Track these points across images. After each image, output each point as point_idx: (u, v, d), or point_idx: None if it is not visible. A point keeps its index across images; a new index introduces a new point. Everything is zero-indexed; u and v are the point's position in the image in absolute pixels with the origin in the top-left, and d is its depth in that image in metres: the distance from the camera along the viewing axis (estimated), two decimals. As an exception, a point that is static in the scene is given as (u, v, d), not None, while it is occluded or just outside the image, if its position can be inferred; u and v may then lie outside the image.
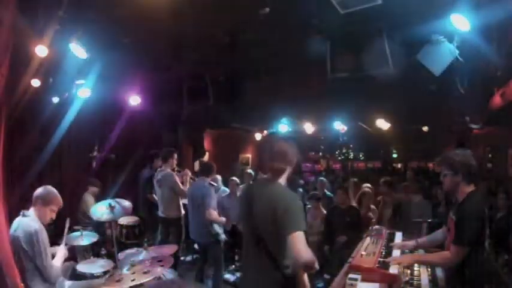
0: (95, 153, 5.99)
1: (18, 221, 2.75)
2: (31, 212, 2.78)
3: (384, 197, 5.45)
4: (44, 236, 2.69)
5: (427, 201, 4.93)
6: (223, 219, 4.34)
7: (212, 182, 4.51)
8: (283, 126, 9.34)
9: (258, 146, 11.19)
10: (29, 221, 2.71)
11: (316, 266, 1.97)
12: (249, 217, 2.19)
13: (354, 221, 4.70)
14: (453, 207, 2.40)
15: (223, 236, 4.34)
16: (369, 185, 6.31)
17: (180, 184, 4.76)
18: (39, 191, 2.84)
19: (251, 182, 6.22)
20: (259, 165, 2.49)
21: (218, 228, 4.27)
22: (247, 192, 2.39)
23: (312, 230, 4.89)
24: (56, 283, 2.77)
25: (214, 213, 4.17)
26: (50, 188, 2.89)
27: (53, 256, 2.87)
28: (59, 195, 2.92)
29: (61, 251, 3.01)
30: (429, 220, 4.23)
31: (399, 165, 15.11)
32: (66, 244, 3.22)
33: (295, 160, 2.27)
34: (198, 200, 4.22)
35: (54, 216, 2.91)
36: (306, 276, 2.22)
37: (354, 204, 5.11)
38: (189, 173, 5.10)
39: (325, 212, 5.14)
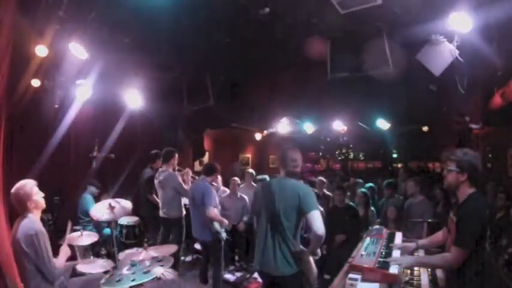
0: (95, 153, 5.98)
1: (18, 223, 2.74)
2: (29, 213, 2.76)
3: (386, 198, 5.47)
4: (45, 237, 2.69)
5: (428, 201, 4.92)
6: (225, 221, 4.33)
7: (213, 183, 4.51)
8: (283, 126, 9.34)
9: (259, 148, 11.25)
10: (29, 223, 2.69)
11: (319, 252, 2.84)
12: (271, 207, 2.79)
13: (353, 220, 4.71)
14: (453, 208, 2.39)
15: (224, 235, 4.35)
16: (372, 184, 6.32)
17: (183, 184, 4.76)
18: (16, 197, 2.73)
19: (252, 182, 6.23)
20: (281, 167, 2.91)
21: (218, 227, 4.27)
22: (267, 186, 2.96)
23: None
24: (57, 282, 2.76)
25: (213, 212, 4.17)
26: (16, 186, 2.77)
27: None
28: (24, 181, 2.80)
29: (63, 251, 3.00)
30: (429, 220, 4.23)
31: (399, 165, 15.09)
32: (68, 244, 3.21)
33: (300, 162, 2.96)
34: (199, 199, 4.23)
35: (41, 194, 2.84)
36: (311, 258, 2.81)
37: (352, 203, 5.12)
38: (190, 173, 5.09)
39: (321, 209, 5.14)
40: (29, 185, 2.79)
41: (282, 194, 2.78)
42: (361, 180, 6.82)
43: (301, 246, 2.80)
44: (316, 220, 2.59)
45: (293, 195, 2.71)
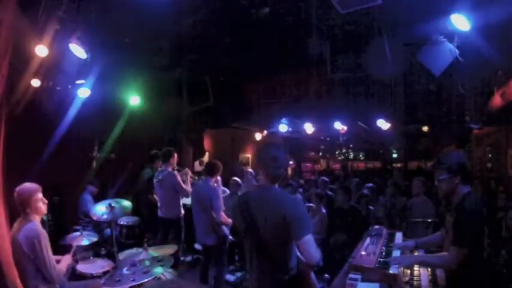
0: (95, 153, 5.98)
1: (19, 223, 2.73)
2: (30, 215, 2.75)
3: (391, 198, 5.48)
4: (46, 239, 2.69)
5: (431, 202, 4.92)
6: (230, 221, 4.31)
7: (215, 183, 4.47)
8: (283, 126, 9.35)
9: (255, 151, 11.18)
10: (30, 225, 2.69)
11: (320, 263, 2.09)
12: (251, 225, 2.17)
13: (356, 221, 4.70)
14: (450, 209, 2.40)
15: (230, 237, 4.33)
16: (371, 184, 6.34)
17: (182, 183, 4.74)
18: (17, 198, 2.73)
19: (253, 183, 6.23)
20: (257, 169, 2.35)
21: (226, 230, 4.26)
22: (243, 201, 2.27)
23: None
24: (58, 285, 2.76)
25: (223, 216, 4.14)
26: (20, 188, 2.77)
27: (57, 262, 2.85)
28: (28, 185, 2.80)
29: (67, 259, 3.00)
30: (429, 220, 4.23)
31: (399, 165, 15.10)
32: (74, 255, 3.21)
33: (287, 164, 2.31)
34: (205, 201, 4.15)
35: (44, 201, 2.83)
36: (312, 275, 2.29)
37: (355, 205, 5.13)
38: (190, 172, 5.08)
39: (324, 211, 5.15)
40: (31, 190, 2.77)
41: (263, 213, 2.12)
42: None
43: (298, 254, 2.21)
44: (310, 247, 2.02)
45: (278, 219, 2.06)
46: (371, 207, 5.51)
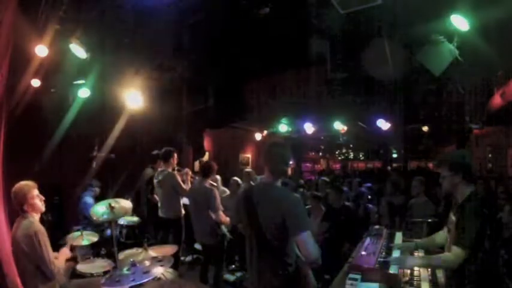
0: (95, 153, 5.98)
1: (17, 222, 2.74)
2: (28, 214, 2.76)
3: (386, 197, 5.47)
4: (44, 236, 2.69)
5: (431, 202, 4.91)
6: (229, 219, 4.34)
7: (212, 183, 4.50)
8: (283, 126, 9.34)
9: (258, 148, 11.20)
10: (29, 223, 2.70)
11: (319, 261, 2.14)
12: (253, 220, 2.25)
13: (349, 220, 4.70)
14: (453, 208, 2.39)
15: (228, 235, 4.35)
16: (369, 184, 6.35)
17: (182, 184, 4.75)
18: (14, 197, 2.74)
19: (251, 182, 6.22)
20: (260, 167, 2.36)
21: (225, 229, 4.28)
22: (247, 196, 2.36)
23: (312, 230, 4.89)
24: (58, 282, 2.76)
25: (223, 215, 4.18)
26: (16, 186, 2.78)
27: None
28: (24, 183, 2.81)
29: (63, 253, 3.01)
30: (429, 220, 4.23)
31: (395, 165, 15.12)
32: (71, 249, 3.22)
33: (290, 162, 2.40)
34: (202, 202, 4.19)
35: (41, 198, 2.85)
36: (310, 272, 2.36)
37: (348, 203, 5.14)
38: (190, 172, 5.09)
39: (324, 209, 5.14)
40: (27, 188, 2.78)
41: (264, 208, 2.21)
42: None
43: (297, 251, 2.27)
44: (307, 244, 2.08)
45: (277, 212, 2.14)
46: (369, 206, 5.52)
